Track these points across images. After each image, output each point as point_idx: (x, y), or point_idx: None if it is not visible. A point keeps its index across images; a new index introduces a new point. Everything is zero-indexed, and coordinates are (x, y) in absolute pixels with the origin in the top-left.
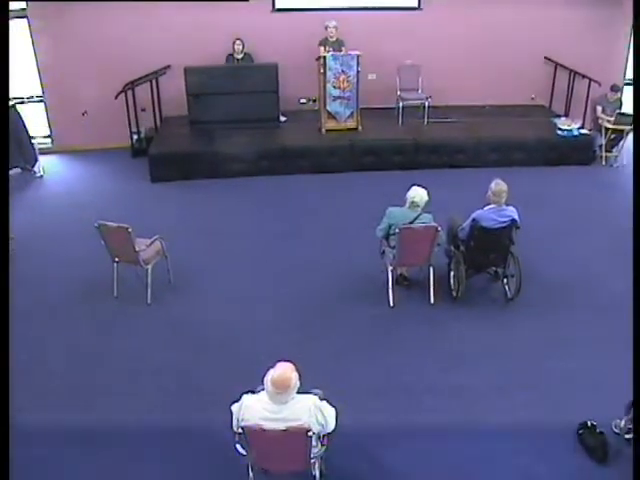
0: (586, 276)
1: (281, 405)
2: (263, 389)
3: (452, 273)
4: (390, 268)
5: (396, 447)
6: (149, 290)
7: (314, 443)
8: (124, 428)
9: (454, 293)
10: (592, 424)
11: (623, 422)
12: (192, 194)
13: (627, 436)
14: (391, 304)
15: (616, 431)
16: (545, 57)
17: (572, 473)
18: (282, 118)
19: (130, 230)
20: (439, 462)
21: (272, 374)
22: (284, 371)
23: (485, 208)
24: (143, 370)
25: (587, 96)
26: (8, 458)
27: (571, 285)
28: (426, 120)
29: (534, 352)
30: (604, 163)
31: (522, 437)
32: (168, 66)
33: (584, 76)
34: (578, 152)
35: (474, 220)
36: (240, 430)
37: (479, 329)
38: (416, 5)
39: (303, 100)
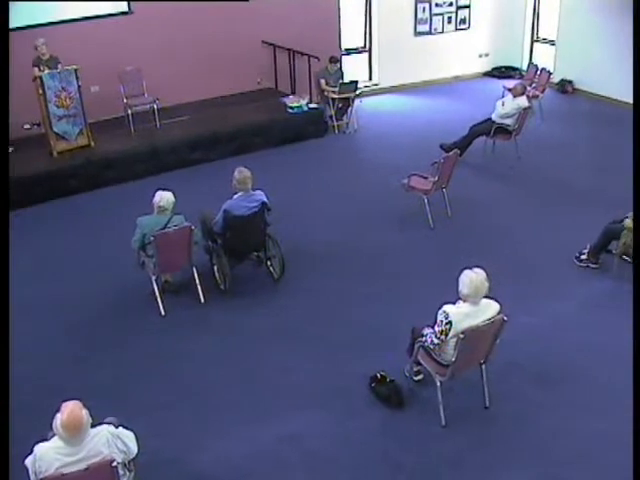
0: (346, 240)
1: (78, 446)
2: (55, 435)
3: (215, 267)
4: (154, 277)
5: (204, 451)
6: None
7: (121, 472)
8: None
9: (222, 287)
10: (382, 375)
11: (409, 366)
12: None
13: (416, 378)
14: (162, 313)
15: (407, 375)
16: (262, 41)
17: (377, 424)
18: (9, 149)
19: None
20: (246, 454)
21: (61, 417)
22: (72, 410)
23: (234, 197)
24: None
25: (309, 72)
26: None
27: (333, 251)
28: (158, 123)
29: (312, 324)
30: (337, 132)
31: (322, 405)
32: None
33: (302, 53)
34: (311, 126)
35: (225, 211)
36: None
37: (254, 315)
38: (126, 9)
39: (27, 126)
